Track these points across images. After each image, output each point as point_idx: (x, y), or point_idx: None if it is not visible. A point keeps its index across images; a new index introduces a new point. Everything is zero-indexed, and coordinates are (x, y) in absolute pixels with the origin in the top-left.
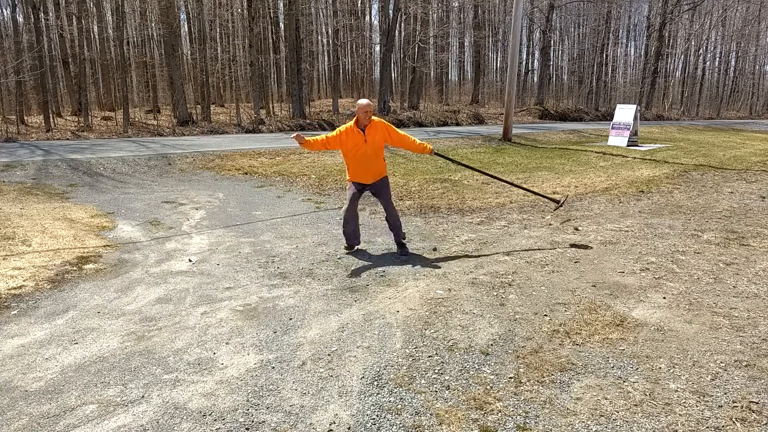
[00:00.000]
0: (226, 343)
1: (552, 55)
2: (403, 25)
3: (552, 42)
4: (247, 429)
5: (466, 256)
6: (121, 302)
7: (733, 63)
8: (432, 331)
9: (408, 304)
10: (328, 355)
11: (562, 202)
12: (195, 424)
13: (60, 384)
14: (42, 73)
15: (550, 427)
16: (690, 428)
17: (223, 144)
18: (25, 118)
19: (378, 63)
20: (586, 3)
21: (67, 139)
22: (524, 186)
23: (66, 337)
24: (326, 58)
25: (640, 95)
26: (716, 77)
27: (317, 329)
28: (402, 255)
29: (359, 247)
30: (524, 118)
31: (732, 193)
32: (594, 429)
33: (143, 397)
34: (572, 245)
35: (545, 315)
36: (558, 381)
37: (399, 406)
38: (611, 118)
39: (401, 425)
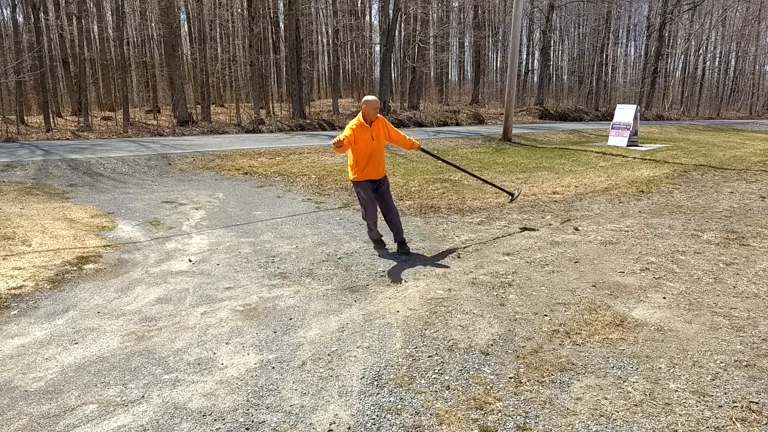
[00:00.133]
0: (226, 343)
1: (552, 55)
2: (403, 25)
3: (552, 42)
4: (247, 429)
5: (466, 256)
6: (121, 302)
7: (733, 63)
8: (432, 331)
9: (408, 304)
10: (328, 355)
11: (516, 195)
12: (195, 424)
13: (60, 384)
14: (42, 73)
15: (550, 427)
16: (690, 428)
17: (223, 144)
18: (25, 118)
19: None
20: (586, 3)
21: (67, 139)
22: (482, 177)
23: (66, 337)
24: (326, 58)
25: (640, 95)
26: (716, 77)
27: (317, 329)
28: (402, 254)
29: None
30: (524, 118)
31: (732, 193)
32: (594, 429)
33: (143, 397)
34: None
35: (545, 315)
36: (558, 381)
37: (399, 406)
38: (611, 118)
39: (401, 425)
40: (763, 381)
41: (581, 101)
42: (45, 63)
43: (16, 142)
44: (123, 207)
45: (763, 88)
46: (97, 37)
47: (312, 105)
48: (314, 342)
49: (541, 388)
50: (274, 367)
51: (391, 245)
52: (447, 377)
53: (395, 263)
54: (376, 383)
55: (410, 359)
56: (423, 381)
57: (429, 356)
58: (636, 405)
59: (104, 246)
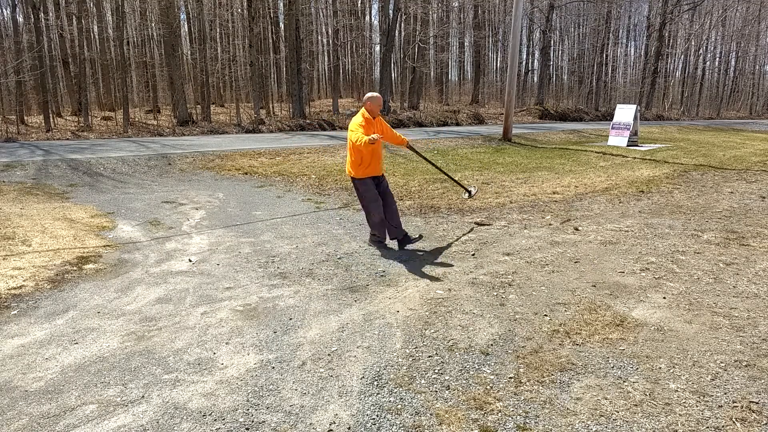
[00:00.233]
0: (226, 343)
1: (552, 55)
2: (403, 25)
3: (552, 42)
4: (247, 429)
5: (466, 256)
6: (121, 302)
7: (733, 63)
8: (432, 331)
9: (408, 304)
10: (328, 355)
11: (473, 192)
12: (195, 424)
13: (60, 384)
14: (42, 73)
15: (550, 427)
16: (690, 428)
17: (223, 144)
18: (25, 118)
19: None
20: (586, 3)
21: (67, 139)
22: (448, 173)
23: (66, 337)
24: (326, 58)
25: (640, 95)
26: (716, 77)
27: (317, 329)
28: (409, 245)
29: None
30: (524, 118)
31: (732, 193)
32: (594, 429)
33: (143, 397)
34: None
35: (545, 315)
36: (558, 381)
37: (399, 406)
38: (611, 118)
39: (401, 425)
40: (763, 381)
41: (581, 101)
42: (45, 63)
43: (16, 142)
44: (123, 207)
45: (763, 88)
46: (97, 37)
47: (312, 105)
48: (314, 342)
49: (541, 388)
50: (274, 367)
51: (391, 243)
52: (447, 377)
53: (395, 263)
54: (376, 383)
55: (410, 359)
56: (423, 381)
57: (429, 356)
58: (636, 405)
59: (104, 246)
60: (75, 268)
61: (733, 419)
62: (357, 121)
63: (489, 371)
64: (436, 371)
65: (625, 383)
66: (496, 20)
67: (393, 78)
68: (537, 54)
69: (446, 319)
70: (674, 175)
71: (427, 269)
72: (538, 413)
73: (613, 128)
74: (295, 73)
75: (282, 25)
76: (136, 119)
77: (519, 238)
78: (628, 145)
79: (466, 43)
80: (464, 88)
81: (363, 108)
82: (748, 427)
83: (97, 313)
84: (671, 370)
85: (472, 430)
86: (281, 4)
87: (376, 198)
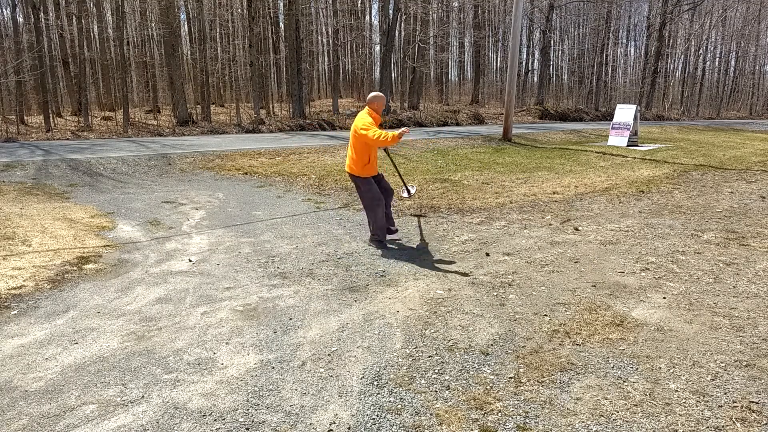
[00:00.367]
0: (226, 343)
1: (552, 55)
2: (403, 25)
3: (552, 42)
4: (247, 429)
5: (466, 256)
6: (121, 302)
7: (733, 63)
8: (432, 331)
9: (408, 304)
10: (328, 355)
11: (412, 193)
12: (195, 424)
13: (60, 384)
14: (42, 73)
15: (550, 427)
16: (690, 428)
17: (223, 144)
18: (25, 118)
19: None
20: (586, 3)
21: (67, 139)
22: (399, 171)
23: (66, 337)
24: (326, 58)
25: (640, 95)
26: (716, 77)
27: (317, 329)
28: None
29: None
30: (524, 118)
31: (732, 193)
32: (594, 429)
33: (143, 397)
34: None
35: (545, 315)
36: (558, 381)
37: (399, 406)
38: (611, 118)
39: (401, 425)
40: (763, 381)
41: (581, 101)
42: (45, 63)
43: (16, 142)
44: (123, 207)
45: (763, 88)
46: (97, 37)
47: (312, 105)
48: (314, 342)
49: (541, 388)
50: (274, 367)
51: (393, 243)
52: (447, 377)
53: (395, 263)
54: (376, 383)
55: (410, 359)
56: (423, 381)
57: (429, 356)
58: (636, 405)
59: (104, 246)
60: (75, 268)
61: (733, 419)
62: (367, 120)
63: (489, 371)
64: (436, 371)
65: (625, 383)
66: (496, 20)
67: (393, 78)
68: (537, 54)
69: (446, 319)
70: (674, 175)
71: (427, 269)
72: (538, 413)
73: (613, 128)
74: (295, 73)
75: (282, 25)
76: (136, 119)
77: (519, 238)
78: (628, 145)
79: (466, 43)
80: (464, 88)
81: (368, 107)
82: (748, 427)
83: (97, 313)
84: (671, 370)
85: (472, 430)
86: (281, 4)
87: (379, 197)
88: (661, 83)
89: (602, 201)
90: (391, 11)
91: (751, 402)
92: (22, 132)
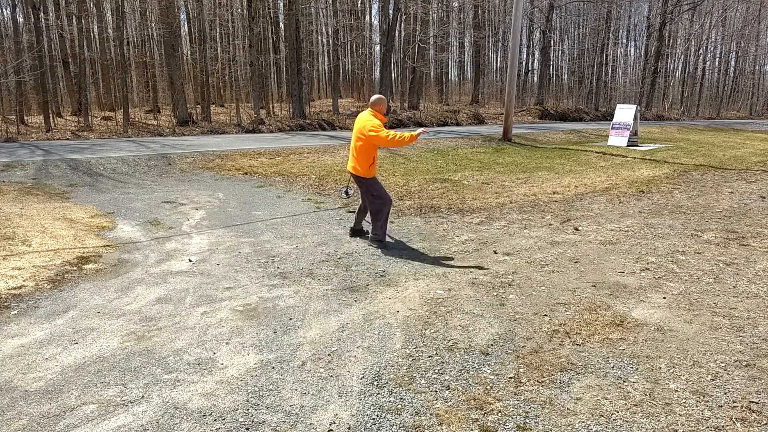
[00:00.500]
0: (226, 343)
1: (552, 55)
2: (403, 25)
3: (552, 42)
4: (247, 429)
5: (466, 256)
6: (121, 302)
7: (733, 63)
8: (432, 331)
9: (408, 304)
10: (328, 355)
11: (350, 194)
12: (195, 424)
13: (60, 384)
14: (42, 73)
15: (550, 427)
16: (690, 428)
17: (223, 144)
18: (25, 118)
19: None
20: (586, 3)
21: (67, 139)
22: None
23: (66, 337)
24: (326, 58)
25: (640, 95)
26: (716, 77)
27: (317, 329)
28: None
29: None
30: (524, 118)
31: (732, 193)
32: (594, 429)
33: (143, 397)
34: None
35: (545, 315)
36: (558, 381)
37: (399, 406)
38: (611, 118)
39: (401, 425)
40: (763, 381)
41: (581, 101)
42: (45, 63)
43: (16, 142)
44: (123, 207)
45: (763, 88)
46: (97, 37)
47: (312, 105)
48: (314, 342)
49: (541, 388)
50: (274, 367)
51: (398, 239)
52: (447, 377)
53: (395, 263)
54: (376, 383)
55: (410, 359)
56: (423, 381)
57: (429, 356)
58: (636, 405)
59: (104, 246)
60: (75, 268)
61: (733, 419)
62: (374, 121)
63: (489, 371)
64: (436, 371)
65: (625, 383)
66: (496, 20)
67: (393, 78)
68: (537, 54)
69: (446, 319)
70: (674, 175)
71: (427, 269)
72: (538, 413)
73: (613, 128)
74: (295, 73)
75: (282, 25)
76: (136, 119)
77: (519, 238)
78: (628, 145)
79: (466, 43)
80: (464, 88)
81: (371, 109)
82: (748, 427)
83: (97, 313)
84: (671, 370)
85: (472, 430)
86: (281, 4)
87: (388, 196)
88: (661, 83)
89: (602, 201)
90: (391, 11)
91: (751, 402)
92: (22, 132)
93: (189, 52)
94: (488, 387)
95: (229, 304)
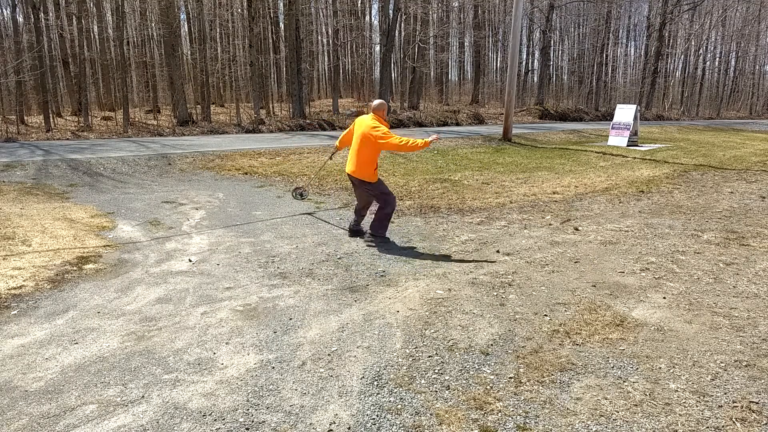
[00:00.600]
0: (226, 343)
1: (552, 55)
2: (403, 25)
3: (552, 42)
4: (247, 429)
5: (466, 256)
6: (121, 302)
7: (733, 63)
8: (432, 331)
9: (408, 304)
10: (328, 355)
11: (300, 191)
12: (195, 424)
13: (60, 384)
14: (42, 73)
15: (550, 427)
16: (690, 428)
17: (223, 144)
18: (25, 118)
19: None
20: (586, 3)
21: (67, 139)
22: (314, 175)
23: (66, 337)
24: (326, 58)
25: (640, 95)
26: (716, 77)
27: (317, 329)
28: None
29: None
30: (524, 118)
31: (732, 193)
32: (594, 429)
33: (143, 397)
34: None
35: (545, 315)
36: (558, 381)
37: (399, 406)
38: (611, 118)
39: (401, 425)
40: (763, 381)
41: (581, 101)
42: (45, 63)
43: (16, 142)
44: (123, 207)
45: (763, 88)
46: (97, 37)
47: (312, 105)
48: (314, 342)
49: (541, 388)
50: (274, 367)
51: (398, 240)
52: (447, 377)
53: (395, 263)
54: (376, 383)
55: (410, 359)
56: (423, 381)
57: (429, 356)
58: (636, 405)
59: (104, 246)
60: (75, 268)
61: (733, 419)
62: (383, 127)
63: (489, 371)
64: (436, 371)
65: (625, 383)
66: (496, 20)
67: (393, 78)
68: (537, 54)
69: (446, 319)
70: (674, 175)
71: (427, 269)
72: (538, 413)
73: (613, 128)
74: (295, 73)
75: (282, 25)
76: (136, 119)
77: (519, 238)
78: (628, 145)
79: (466, 43)
80: (464, 88)
81: (374, 114)
82: (748, 427)
83: (97, 313)
84: (671, 370)
85: (472, 430)
86: (281, 4)
87: (393, 194)
88: (661, 83)
89: (602, 201)
90: (391, 11)
91: (751, 402)
92: (22, 132)
93: (189, 52)
94: (488, 387)
95: (229, 304)
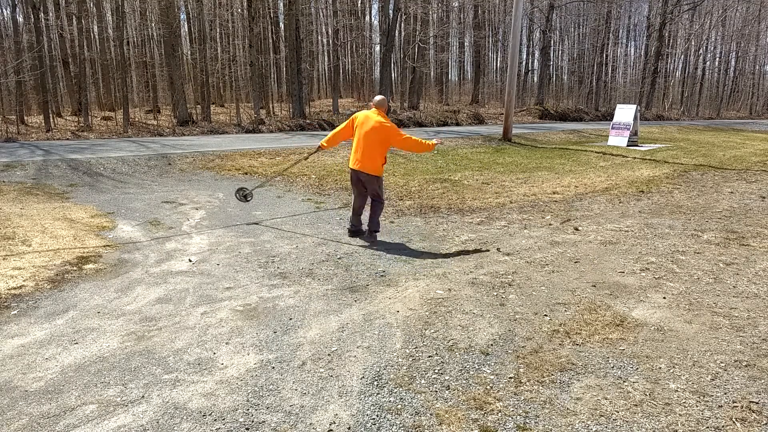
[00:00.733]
0: (226, 343)
1: (552, 55)
2: (403, 25)
3: (552, 42)
4: (247, 429)
5: (466, 256)
6: (121, 302)
7: (733, 63)
8: (432, 331)
9: (408, 304)
10: (328, 355)
11: (245, 193)
12: (195, 424)
13: (60, 384)
14: (42, 73)
15: (550, 427)
16: (690, 428)
17: (223, 144)
18: (25, 118)
19: (378, 63)
20: (586, 3)
21: (67, 139)
22: (267, 179)
23: (66, 337)
24: (326, 58)
25: (640, 95)
26: (716, 77)
27: (317, 329)
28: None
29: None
30: (524, 118)
31: (732, 193)
32: (594, 429)
33: (143, 397)
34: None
35: (545, 315)
36: (558, 381)
37: (399, 406)
38: (611, 118)
39: (401, 425)
40: (763, 381)
41: (581, 101)
42: (45, 63)
43: (16, 142)
44: (123, 207)
45: (763, 88)
46: (97, 37)
47: (312, 105)
48: (314, 342)
49: (541, 388)
50: (274, 367)
51: (398, 240)
52: (447, 377)
53: (395, 263)
54: (376, 383)
55: (410, 359)
56: (423, 381)
57: (429, 356)
58: (636, 405)
59: (104, 246)
60: (75, 268)
61: (733, 419)
62: (390, 124)
63: (489, 371)
64: (436, 371)
65: (625, 383)
66: (496, 20)
67: (393, 78)
68: (537, 54)
69: (446, 319)
70: (674, 175)
71: (427, 269)
72: (538, 413)
73: (613, 128)
74: (295, 73)
75: (282, 25)
76: (136, 119)
77: (519, 238)
78: (628, 145)
79: (466, 43)
80: (464, 88)
81: (379, 110)
82: (748, 427)
83: (97, 313)
84: (671, 370)
85: (472, 430)
86: (281, 4)
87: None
88: (661, 83)
89: (602, 201)
90: (391, 11)
91: (751, 402)
92: (22, 132)
93: (189, 52)
94: (488, 387)
95: (229, 304)
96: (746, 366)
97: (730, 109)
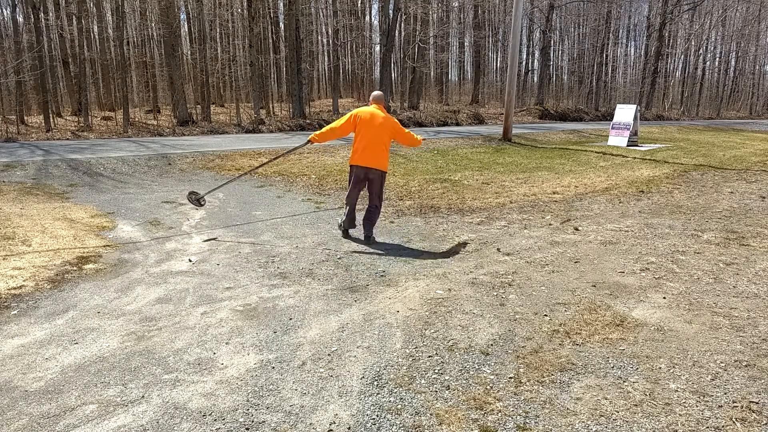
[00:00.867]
0: (226, 343)
1: (552, 55)
2: (403, 25)
3: (552, 42)
4: (247, 429)
5: (466, 256)
6: (121, 302)
7: (733, 63)
8: (432, 331)
9: (408, 304)
10: (328, 355)
11: (198, 197)
12: (195, 424)
13: (60, 384)
14: (42, 73)
15: (550, 427)
16: (690, 428)
17: (223, 144)
18: (25, 118)
19: (378, 63)
20: (586, 3)
21: (67, 139)
22: (229, 180)
23: (66, 337)
24: (326, 58)
25: (640, 95)
26: (716, 77)
27: (317, 329)
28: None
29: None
30: (524, 118)
31: (732, 193)
32: (594, 429)
33: (143, 397)
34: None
35: (545, 315)
36: (558, 381)
37: (399, 406)
38: (611, 118)
39: (401, 425)
40: (763, 381)
41: (581, 101)
42: (45, 63)
43: (16, 142)
44: (123, 207)
45: (763, 88)
46: (97, 37)
47: (312, 105)
48: (314, 342)
49: (541, 388)
50: (274, 367)
51: (398, 240)
52: (447, 377)
53: (395, 263)
54: (376, 383)
55: (410, 359)
56: (423, 381)
57: (429, 356)
58: (636, 405)
59: (104, 246)
60: (75, 268)
61: (733, 419)
62: (394, 118)
63: (489, 371)
64: (436, 371)
65: (625, 383)
66: (496, 20)
67: (393, 78)
68: (537, 54)
69: (446, 319)
70: (674, 175)
71: (427, 269)
72: (538, 413)
73: (613, 128)
74: (295, 73)
75: (282, 25)
76: (136, 119)
77: (519, 238)
78: (628, 145)
79: (466, 43)
80: (464, 88)
81: (378, 105)
82: (748, 427)
83: (97, 313)
84: (671, 370)
85: (472, 430)
86: (281, 4)
87: None
88: (661, 83)
89: (602, 201)
90: (391, 11)
91: (751, 402)
92: (22, 132)
93: (189, 52)
94: (488, 387)
95: (229, 304)
96: (746, 366)
97: (730, 109)
